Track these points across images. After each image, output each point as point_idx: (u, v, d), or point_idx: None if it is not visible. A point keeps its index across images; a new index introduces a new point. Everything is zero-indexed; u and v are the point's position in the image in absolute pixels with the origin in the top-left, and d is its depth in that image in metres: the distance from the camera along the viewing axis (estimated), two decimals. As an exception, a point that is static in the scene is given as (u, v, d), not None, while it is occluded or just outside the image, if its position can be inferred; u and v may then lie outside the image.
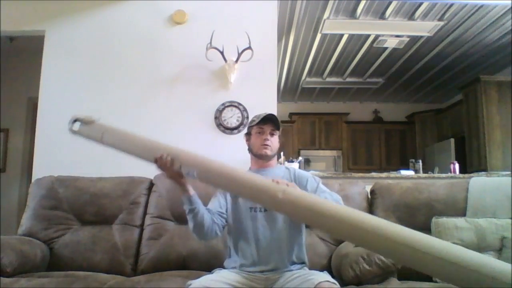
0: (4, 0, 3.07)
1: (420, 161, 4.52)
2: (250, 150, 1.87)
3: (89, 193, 2.35)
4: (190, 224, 1.65)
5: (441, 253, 1.07)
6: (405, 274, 1.91)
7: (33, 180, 2.59)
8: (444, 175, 3.43)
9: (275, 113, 2.94)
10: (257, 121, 1.81)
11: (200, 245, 2.15)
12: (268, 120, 1.81)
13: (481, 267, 1.03)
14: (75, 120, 1.64)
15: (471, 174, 3.15)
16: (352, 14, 4.13)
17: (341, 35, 4.64)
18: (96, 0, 3.09)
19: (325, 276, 1.48)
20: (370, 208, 2.27)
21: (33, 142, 3.00)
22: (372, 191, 2.33)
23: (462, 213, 2.09)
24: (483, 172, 3.70)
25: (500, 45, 4.84)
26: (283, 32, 4.44)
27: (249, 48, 2.82)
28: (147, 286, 1.75)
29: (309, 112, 7.32)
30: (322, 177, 2.01)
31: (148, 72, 3.02)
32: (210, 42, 2.83)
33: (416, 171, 4.31)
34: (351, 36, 4.66)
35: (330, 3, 3.88)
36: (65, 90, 3.00)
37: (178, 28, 3.05)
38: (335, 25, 4.31)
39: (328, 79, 6.26)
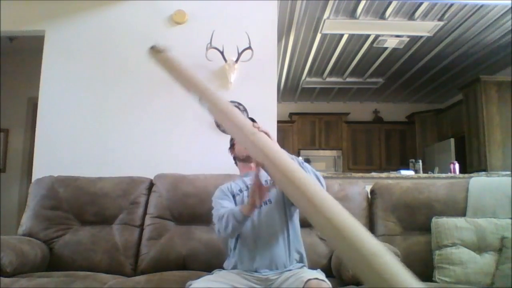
0: (4, 0, 3.07)
1: (420, 161, 4.53)
2: (236, 158, 1.93)
3: (89, 193, 2.35)
4: (230, 229, 1.60)
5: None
6: (405, 274, 1.92)
7: (33, 180, 2.59)
8: (444, 175, 3.43)
9: (275, 113, 2.98)
10: None
11: (200, 245, 2.15)
12: None
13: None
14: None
15: (471, 174, 3.15)
16: (352, 14, 4.13)
17: (341, 35, 4.63)
18: (96, 0, 3.09)
19: (315, 274, 1.49)
20: (370, 208, 2.27)
21: (33, 142, 3.00)
22: (372, 191, 2.33)
23: (462, 213, 2.09)
24: (483, 172, 3.70)
25: (500, 45, 4.84)
26: (283, 32, 4.44)
27: (249, 48, 2.82)
28: (147, 286, 1.76)
29: (309, 112, 7.32)
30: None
31: (148, 72, 3.01)
32: (210, 42, 2.83)
33: (416, 171, 4.31)
34: (351, 36, 4.66)
35: (330, 3, 3.88)
36: (65, 90, 3.00)
37: (178, 28, 3.05)
38: (335, 25, 4.30)
39: (328, 79, 6.26)
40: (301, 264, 1.73)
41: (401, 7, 3.97)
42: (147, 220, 2.29)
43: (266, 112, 2.91)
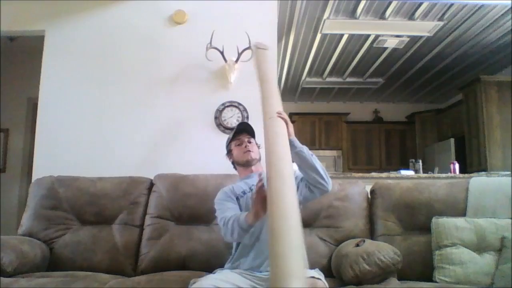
0: (4, 0, 3.07)
1: (420, 161, 4.53)
2: (236, 163, 1.96)
3: (89, 193, 2.35)
4: (236, 236, 1.60)
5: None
6: (405, 274, 1.92)
7: (33, 180, 2.59)
8: (444, 175, 3.43)
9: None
10: (231, 137, 1.95)
11: (200, 245, 2.15)
12: (242, 130, 1.93)
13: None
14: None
15: (471, 174, 3.15)
16: (352, 14, 4.13)
17: (341, 35, 4.63)
18: (96, 0, 3.09)
19: (311, 273, 1.50)
20: (370, 208, 2.27)
21: (33, 142, 3.00)
22: (372, 191, 2.33)
23: (462, 213, 2.09)
24: (483, 172, 3.70)
25: (500, 45, 4.84)
26: (283, 32, 4.44)
27: (249, 48, 2.82)
28: (147, 286, 1.76)
29: (309, 112, 7.32)
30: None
31: (148, 72, 3.01)
32: (210, 42, 2.83)
33: (416, 171, 4.32)
34: (351, 36, 4.66)
35: (330, 3, 3.88)
36: (65, 90, 2.99)
37: (178, 28, 3.05)
38: (335, 25, 4.30)
39: (328, 79, 6.26)
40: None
41: (401, 7, 3.97)
42: (147, 220, 2.29)
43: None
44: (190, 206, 2.25)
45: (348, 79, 6.26)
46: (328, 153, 7.07)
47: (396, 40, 4.69)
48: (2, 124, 4.55)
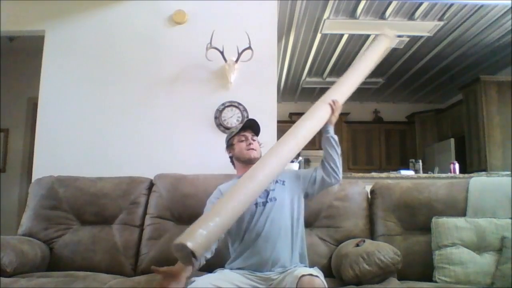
0: (4, 0, 3.07)
1: (420, 161, 4.53)
2: (236, 159, 1.95)
3: (89, 193, 2.34)
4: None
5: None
6: (405, 274, 1.92)
7: (33, 180, 2.59)
8: (444, 175, 3.43)
9: (275, 113, 2.97)
10: (235, 131, 1.93)
11: (200, 245, 2.15)
12: (247, 127, 1.92)
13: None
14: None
15: (471, 174, 3.15)
16: (352, 14, 4.13)
17: (341, 35, 4.64)
18: (96, 0, 3.09)
19: (309, 270, 1.50)
20: (370, 208, 2.27)
21: (33, 142, 3.00)
22: (372, 191, 2.33)
23: (462, 213, 2.08)
24: (483, 172, 3.70)
25: (500, 45, 4.84)
26: (283, 32, 4.44)
27: (249, 48, 2.82)
28: (147, 286, 1.75)
29: (309, 112, 7.30)
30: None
31: (148, 72, 3.01)
32: (210, 42, 2.83)
33: (416, 171, 4.31)
34: (351, 36, 4.66)
35: (330, 3, 3.88)
36: (65, 90, 2.99)
37: (178, 28, 3.05)
38: (335, 25, 4.30)
39: (328, 79, 6.25)
40: (302, 265, 1.73)
41: (401, 7, 3.97)
42: (147, 220, 2.29)
43: (266, 112, 2.91)
44: (190, 206, 2.25)
45: (348, 79, 6.25)
46: (328, 153, 7.06)
47: (396, 40, 4.69)
48: (2, 124, 4.55)
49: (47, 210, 2.31)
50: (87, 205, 2.32)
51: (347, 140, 7.13)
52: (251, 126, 1.95)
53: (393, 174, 3.56)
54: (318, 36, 4.61)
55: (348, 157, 7.08)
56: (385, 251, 1.72)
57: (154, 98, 2.98)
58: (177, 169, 2.50)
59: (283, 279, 1.53)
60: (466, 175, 3.26)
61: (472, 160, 5.31)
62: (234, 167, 2.01)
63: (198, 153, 2.89)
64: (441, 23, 4.21)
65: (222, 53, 2.85)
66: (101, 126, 2.95)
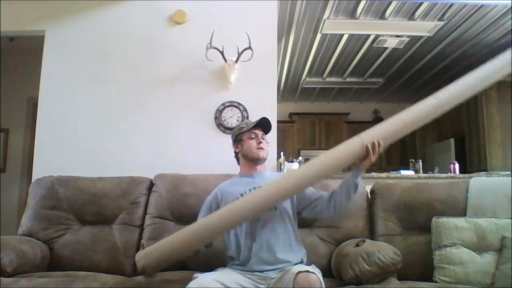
0: (4, 0, 3.07)
1: (420, 161, 4.52)
2: (243, 155, 1.89)
3: (89, 193, 2.34)
4: None
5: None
6: (405, 274, 1.92)
7: (33, 180, 2.59)
8: (444, 175, 3.43)
9: (275, 113, 2.97)
10: (246, 128, 1.87)
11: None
12: (259, 125, 1.87)
13: None
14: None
15: (471, 174, 3.15)
16: (352, 14, 4.13)
17: (341, 35, 4.64)
18: (96, 0, 3.09)
19: (305, 267, 1.50)
20: (370, 208, 2.27)
21: (33, 142, 3.00)
22: (372, 191, 2.33)
23: (462, 213, 2.08)
24: (483, 172, 3.70)
25: (500, 45, 4.83)
26: (283, 32, 4.44)
27: (249, 48, 2.82)
28: (147, 286, 1.76)
29: (309, 112, 7.32)
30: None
31: (148, 72, 3.02)
32: (210, 42, 2.83)
33: (416, 171, 4.31)
34: (351, 36, 4.66)
35: (330, 3, 3.88)
36: (65, 90, 3.00)
37: (178, 28, 3.05)
38: (335, 25, 4.30)
39: (328, 79, 6.26)
40: (300, 262, 1.74)
41: (401, 7, 3.97)
42: (147, 220, 2.29)
43: (266, 112, 2.89)
44: (190, 206, 2.25)
45: (348, 79, 6.26)
46: (328, 153, 7.06)
47: (396, 40, 4.69)
48: (2, 124, 4.55)
49: (47, 210, 2.31)
50: (87, 205, 2.32)
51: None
52: (263, 125, 1.89)
53: (393, 174, 3.56)
54: (318, 36, 4.61)
55: (348, 157, 7.06)
56: (385, 251, 1.72)
57: (154, 98, 2.98)
58: (177, 169, 2.50)
59: (281, 277, 1.54)
60: (466, 175, 3.26)
61: (472, 160, 5.31)
62: (238, 163, 1.98)
63: (198, 153, 2.89)
64: (441, 23, 4.21)
65: (222, 53, 2.86)
66: (101, 126, 2.95)
